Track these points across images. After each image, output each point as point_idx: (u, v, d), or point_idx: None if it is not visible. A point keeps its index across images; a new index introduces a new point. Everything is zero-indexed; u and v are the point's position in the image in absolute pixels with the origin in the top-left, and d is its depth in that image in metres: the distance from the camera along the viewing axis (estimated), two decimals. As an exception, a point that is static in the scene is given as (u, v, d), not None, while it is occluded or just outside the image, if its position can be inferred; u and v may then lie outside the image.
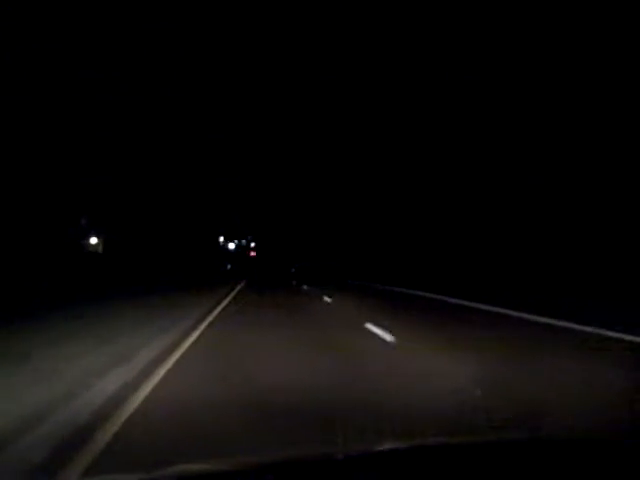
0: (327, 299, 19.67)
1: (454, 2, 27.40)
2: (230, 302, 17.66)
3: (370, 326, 10.71)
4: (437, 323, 12.46)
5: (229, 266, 34.83)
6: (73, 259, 35.17)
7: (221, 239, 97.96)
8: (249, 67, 48.19)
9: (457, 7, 26.98)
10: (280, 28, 40.09)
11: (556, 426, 4.22)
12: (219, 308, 15.12)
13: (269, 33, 44.31)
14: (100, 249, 43.12)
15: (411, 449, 1.91)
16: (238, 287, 27.15)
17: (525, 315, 13.07)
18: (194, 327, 10.57)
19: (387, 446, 2.06)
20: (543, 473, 1.55)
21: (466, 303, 16.72)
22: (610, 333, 9.66)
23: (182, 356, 7.49)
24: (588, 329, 10.27)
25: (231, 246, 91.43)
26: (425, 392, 5.57)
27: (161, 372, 6.29)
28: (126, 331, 9.27)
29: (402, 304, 18.83)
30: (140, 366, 6.48)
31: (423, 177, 35.77)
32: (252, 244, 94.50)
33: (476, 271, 26.87)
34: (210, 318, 12.37)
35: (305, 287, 28.33)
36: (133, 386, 5.55)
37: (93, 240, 42.80)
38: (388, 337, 9.32)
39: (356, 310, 15.39)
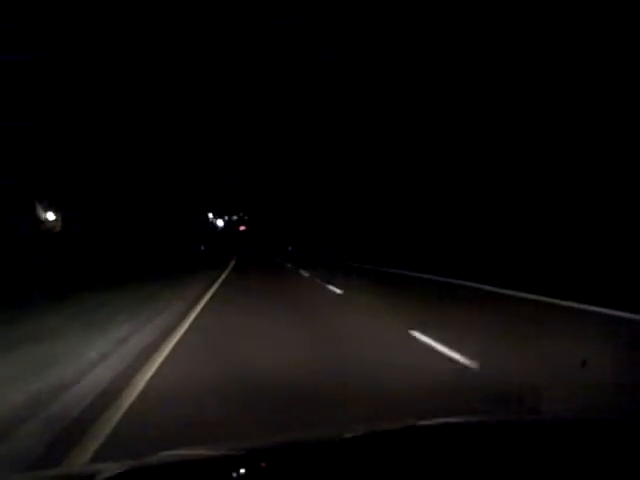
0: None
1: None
2: (219, 288, 18.44)
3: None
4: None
5: (203, 247, 28.87)
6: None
7: (210, 215, 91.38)
8: (245, 44, 44.31)
9: (457, 5, 26.78)
10: (278, 11, 36.56)
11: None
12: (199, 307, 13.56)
13: (266, 16, 40.72)
14: (58, 227, 35.76)
15: (405, 429, 1.93)
16: (223, 276, 22.74)
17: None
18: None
19: (380, 427, 2.06)
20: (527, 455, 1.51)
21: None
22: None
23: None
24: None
25: (219, 223, 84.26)
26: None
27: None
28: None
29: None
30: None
31: (415, 161, 35.64)
32: (237, 217, 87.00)
33: (454, 251, 28.33)
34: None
35: (289, 265, 31.53)
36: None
37: (50, 215, 35.39)
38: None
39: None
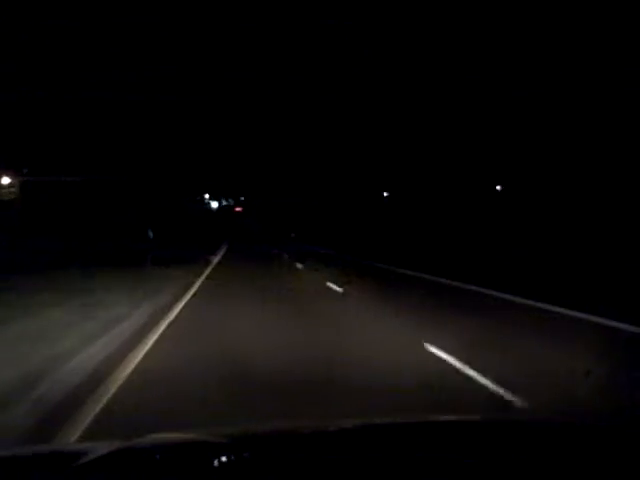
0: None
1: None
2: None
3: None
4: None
5: (151, 235, 23.26)
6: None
7: (207, 196, 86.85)
8: (247, 26, 42.25)
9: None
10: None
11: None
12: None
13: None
14: (15, 193, 30.69)
15: (396, 425, 1.95)
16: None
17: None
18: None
19: (369, 422, 2.10)
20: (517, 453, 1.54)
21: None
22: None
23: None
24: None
25: (214, 204, 79.12)
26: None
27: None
28: None
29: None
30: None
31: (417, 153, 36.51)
32: (233, 200, 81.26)
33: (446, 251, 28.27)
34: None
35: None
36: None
37: (4, 180, 30.27)
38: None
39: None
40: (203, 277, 17.01)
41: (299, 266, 23.38)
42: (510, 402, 4.60)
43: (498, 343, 7.09)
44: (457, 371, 5.66)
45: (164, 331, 7.76)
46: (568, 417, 2.55)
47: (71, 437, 3.72)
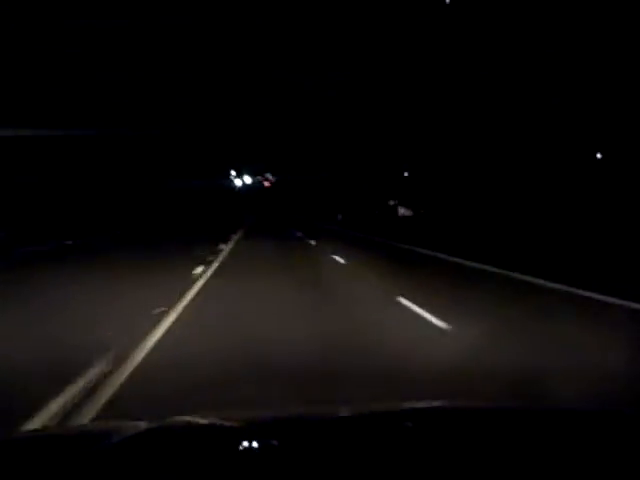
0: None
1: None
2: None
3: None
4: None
5: None
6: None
7: (233, 173, 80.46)
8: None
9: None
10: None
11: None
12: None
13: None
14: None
15: (403, 411, 1.96)
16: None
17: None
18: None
19: (376, 408, 2.13)
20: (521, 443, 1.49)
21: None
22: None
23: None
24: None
25: (238, 183, 71.44)
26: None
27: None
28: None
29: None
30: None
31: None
32: (259, 178, 72.96)
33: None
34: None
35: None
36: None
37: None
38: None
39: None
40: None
41: (339, 259, 16.91)
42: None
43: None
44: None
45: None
46: (574, 405, 2.66)
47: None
